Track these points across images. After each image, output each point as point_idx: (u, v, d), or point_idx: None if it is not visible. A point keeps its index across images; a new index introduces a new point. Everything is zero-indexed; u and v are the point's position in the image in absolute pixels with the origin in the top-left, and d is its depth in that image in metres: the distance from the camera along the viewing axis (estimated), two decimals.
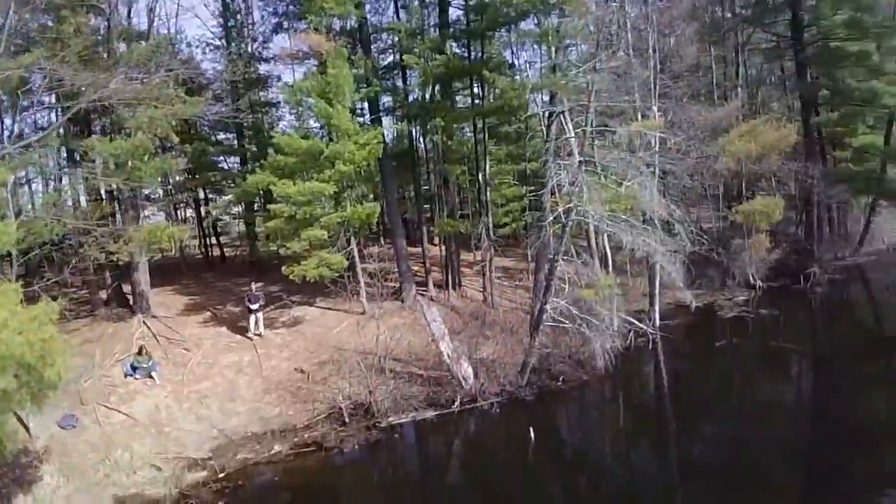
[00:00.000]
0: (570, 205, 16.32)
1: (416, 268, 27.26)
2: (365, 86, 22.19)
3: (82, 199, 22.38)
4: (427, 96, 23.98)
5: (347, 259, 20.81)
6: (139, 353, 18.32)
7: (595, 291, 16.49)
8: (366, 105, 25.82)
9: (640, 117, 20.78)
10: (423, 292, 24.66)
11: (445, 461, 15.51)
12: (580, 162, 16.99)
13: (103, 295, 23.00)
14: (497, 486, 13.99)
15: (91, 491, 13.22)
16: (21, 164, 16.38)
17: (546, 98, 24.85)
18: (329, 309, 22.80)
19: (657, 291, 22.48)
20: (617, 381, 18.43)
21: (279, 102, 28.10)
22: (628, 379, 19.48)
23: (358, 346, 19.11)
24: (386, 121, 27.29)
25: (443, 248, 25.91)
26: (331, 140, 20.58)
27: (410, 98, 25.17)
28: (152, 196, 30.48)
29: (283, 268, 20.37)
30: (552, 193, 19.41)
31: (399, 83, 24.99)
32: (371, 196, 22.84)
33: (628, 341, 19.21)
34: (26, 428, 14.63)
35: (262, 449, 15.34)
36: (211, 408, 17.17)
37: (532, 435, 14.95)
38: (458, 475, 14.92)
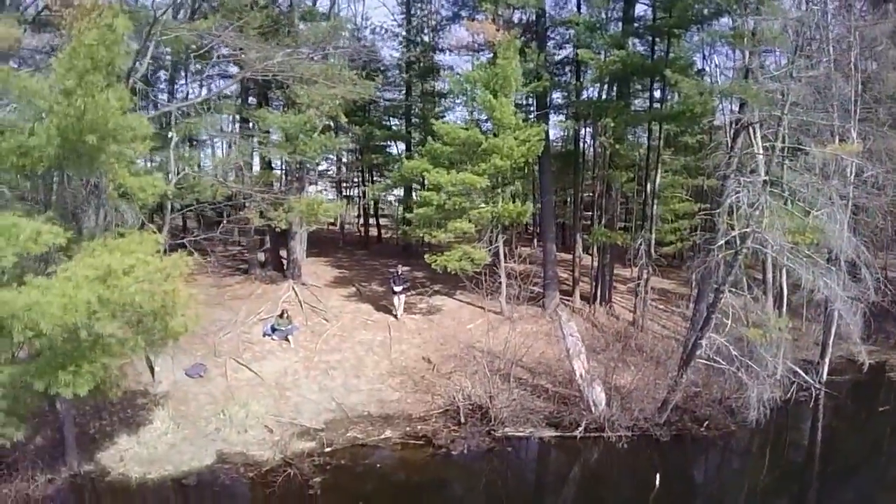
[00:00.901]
0: (748, 229, 14.07)
1: (564, 275, 25.83)
2: (535, 80, 21.18)
3: (256, 167, 23.89)
4: (600, 94, 22.41)
5: (491, 256, 20.00)
6: (281, 315, 19.02)
7: (762, 333, 14.04)
8: (534, 101, 24.86)
9: (837, 141, 17.58)
10: (567, 302, 23.19)
11: (557, 487, 14.09)
12: (765, 182, 14.62)
13: (262, 257, 24.45)
14: None
15: (197, 442, 13.67)
16: (190, 127, 17.47)
17: (735, 107, 22.09)
18: (467, 303, 22.20)
19: (830, 342, 19.05)
20: (767, 436, 15.77)
21: (449, 93, 27.98)
22: (780, 435, 16.74)
23: (488, 347, 18.22)
24: (553, 119, 26.00)
25: (596, 259, 24.15)
26: (494, 134, 19.89)
27: (582, 96, 23.73)
28: (325, 171, 32.27)
29: (426, 255, 20.08)
30: (728, 214, 17.12)
31: (572, 79, 23.61)
32: (525, 195, 21.76)
33: (789, 393, 16.29)
34: (152, 371, 15.64)
35: (373, 431, 15.04)
36: (335, 380, 17.28)
37: (658, 479, 13.05)
38: None
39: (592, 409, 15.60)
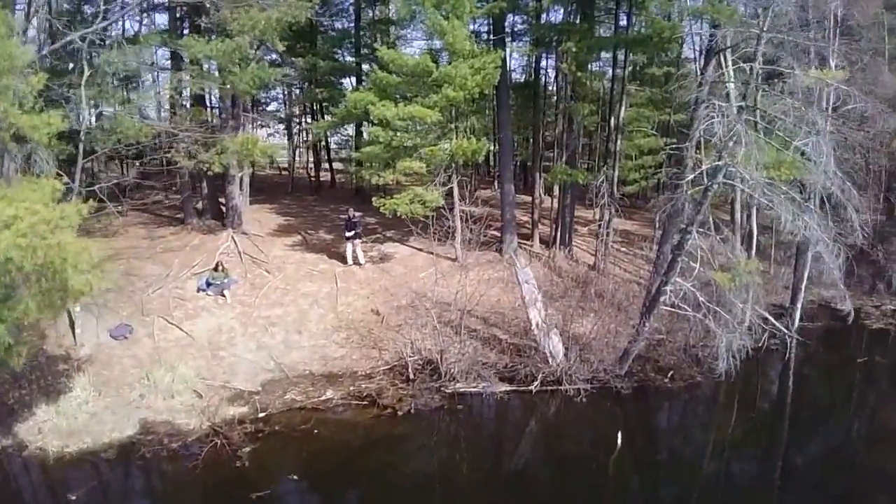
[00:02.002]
0: (720, 162, 12.83)
1: (524, 218, 24.61)
2: (491, 0, 19.26)
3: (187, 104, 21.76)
4: (564, 17, 20.60)
5: (445, 198, 18.59)
6: (216, 268, 17.49)
7: (731, 277, 13.02)
8: (490, 26, 22.92)
9: (817, 68, 16.25)
10: (526, 246, 22.03)
11: (512, 447, 13.18)
12: (740, 108, 13.34)
13: (200, 205, 22.64)
14: (563, 488, 11.50)
15: (119, 411, 12.36)
16: (108, 61, 15.37)
17: (705, 37, 20.64)
18: (420, 250, 20.85)
19: (803, 287, 18.34)
20: (735, 387, 14.86)
21: (401, 20, 25.74)
22: (748, 385, 15.92)
23: (439, 296, 17.04)
24: (512, 48, 24.09)
25: (556, 200, 22.89)
26: (448, 63, 18.10)
27: (542, 20, 21.89)
28: (275, 112, 29.86)
29: (374, 199, 18.56)
30: (697, 147, 15.88)
31: (531, 1, 21.63)
32: (481, 131, 20.12)
33: (761, 342, 15.51)
34: (73, 333, 14.13)
35: (313, 392, 13.92)
36: (275, 337, 16.00)
37: (619, 438, 12.20)
38: (520, 467, 12.55)
39: (550, 360, 14.70)
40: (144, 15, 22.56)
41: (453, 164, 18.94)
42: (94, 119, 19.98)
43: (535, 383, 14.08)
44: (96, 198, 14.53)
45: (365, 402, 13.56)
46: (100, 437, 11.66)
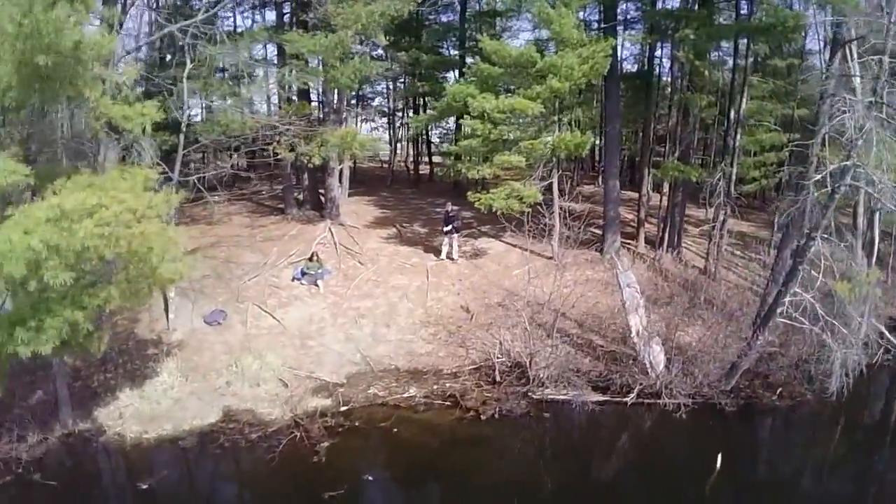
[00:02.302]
0: (847, 163, 11.26)
1: (629, 216, 23.25)
2: None
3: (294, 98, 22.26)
4: (678, 3, 19.15)
5: (544, 194, 17.79)
6: (311, 258, 17.71)
7: (851, 287, 11.38)
8: (600, 14, 21.75)
9: None
10: (630, 246, 20.74)
11: (599, 462, 12.23)
12: (870, 103, 11.63)
13: (301, 197, 23.17)
14: None
15: (204, 397, 12.59)
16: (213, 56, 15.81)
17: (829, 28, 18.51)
18: (515, 247, 20.16)
19: None
20: (846, 406, 12.93)
21: (507, 11, 25.03)
22: (859, 405, 14.04)
23: (534, 296, 16.31)
24: (624, 36, 22.73)
25: (666, 197, 21.37)
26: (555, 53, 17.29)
27: (657, 5, 20.46)
28: (380, 106, 30.15)
29: (469, 193, 18.07)
30: (823, 145, 14.17)
31: None
32: (587, 124, 19.07)
33: (875, 358, 13.53)
34: (167, 318, 14.65)
35: (396, 388, 13.64)
36: (363, 329, 15.92)
37: (719, 461, 10.98)
38: (609, 482, 11.57)
39: (649, 371, 13.58)
40: (255, 11, 23.42)
41: (554, 159, 18.09)
42: (198, 112, 20.96)
43: (631, 395, 13.04)
44: (193, 187, 15.12)
45: (448, 403, 13.11)
46: (181, 423, 11.81)
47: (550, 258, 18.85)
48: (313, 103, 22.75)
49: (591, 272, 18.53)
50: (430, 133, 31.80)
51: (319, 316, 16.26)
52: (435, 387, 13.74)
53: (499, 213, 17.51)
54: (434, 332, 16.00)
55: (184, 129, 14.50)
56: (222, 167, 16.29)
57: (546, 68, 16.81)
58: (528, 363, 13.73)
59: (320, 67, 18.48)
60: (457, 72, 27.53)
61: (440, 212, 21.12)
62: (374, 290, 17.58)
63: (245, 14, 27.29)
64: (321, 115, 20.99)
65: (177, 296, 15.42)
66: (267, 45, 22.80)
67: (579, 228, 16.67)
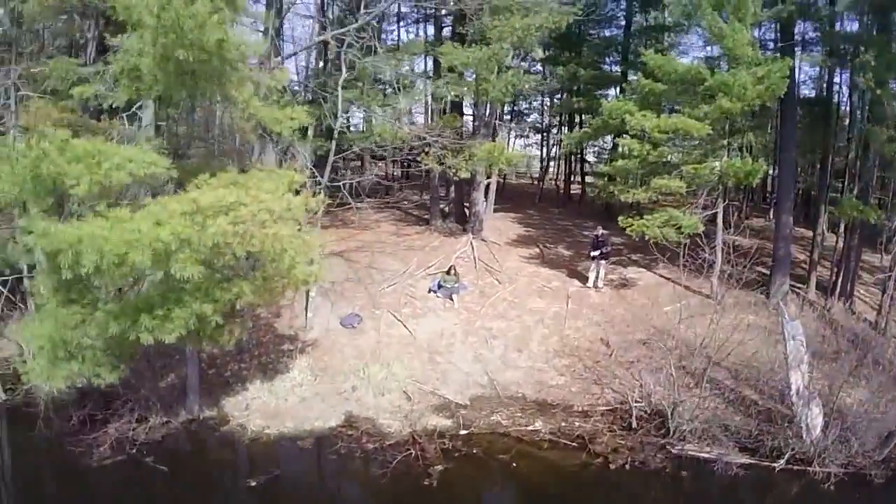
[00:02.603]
0: None
1: (800, 256, 20.46)
2: (779, 2, 16.21)
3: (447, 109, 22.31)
4: (860, 26, 16.54)
5: (706, 224, 16.10)
6: (448, 272, 17.42)
7: None
8: (776, 32, 19.43)
9: None
10: (799, 291, 18.14)
11: None
12: None
13: (447, 209, 23.11)
14: None
15: (329, 399, 12.57)
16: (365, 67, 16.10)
17: None
18: (669, 280, 18.48)
19: None
20: None
21: (674, 25, 23.32)
22: None
23: (684, 337, 14.71)
24: (800, 57, 20.14)
25: (841, 239, 18.48)
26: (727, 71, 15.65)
27: (836, 27, 17.85)
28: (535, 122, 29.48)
29: (620, 218, 16.83)
30: None
31: (825, 5, 17.78)
32: (759, 151, 17.00)
33: None
34: (306, 316, 14.93)
35: (521, 419, 12.78)
36: (493, 351, 15.26)
37: None
38: None
39: (804, 435, 11.59)
40: (417, 25, 23.85)
41: (720, 187, 16.31)
42: (359, 121, 21.58)
43: (781, 461, 11.14)
44: (341, 193, 15.40)
45: (575, 444, 11.99)
46: (303, 422, 11.89)
47: (708, 297, 17.04)
48: (466, 116, 22.65)
49: (753, 317, 16.38)
50: (584, 152, 30.59)
51: (450, 331, 15.86)
52: (563, 424, 12.67)
53: (651, 241, 16.06)
54: (568, 363, 14.93)
55: (336, 136, 14.81)
56: (369, 176, 16.38)
57: (716, 86, 15.18)
58: (669, 413, 12.25)
59: (473, 80, 18.19)
60: (617, 88, 26.27)
61: (588, 235, 19.99)
62: (508, 311, 16.88)
63: (409, 28, 28.10)
64: (472, 129, 20.77)
65: (318, 295, 15.80)
66: (426, 58, 23.07)
67: (744, 266, 14.83)
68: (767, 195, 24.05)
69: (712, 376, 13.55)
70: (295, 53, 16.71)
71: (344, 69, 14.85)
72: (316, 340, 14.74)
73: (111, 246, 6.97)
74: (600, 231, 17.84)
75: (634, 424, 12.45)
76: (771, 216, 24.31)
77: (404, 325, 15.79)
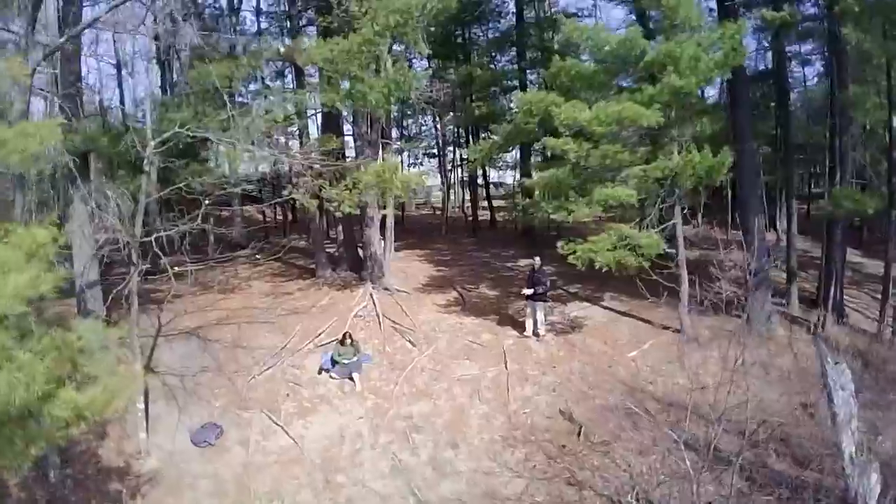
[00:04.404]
0: None
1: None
2: None
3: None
4: None
5: (667, 240, 12.53)
6: (342, 341, 12.71)
7: None
8: None
9: None
10: (780, 308, 15.00)
11: None
12: None
13: (337, 253, 18.46)
14: None
15: None
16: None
17: None
18: (622, 314, 14.78)
19: None
20: None
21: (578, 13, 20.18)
22: None
23: (667, 392, 10.91)
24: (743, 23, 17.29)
25: (813, 241, 15.62)
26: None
27: None
28: (416, 139, 25.20)
29: (560, 244, 12.81)
30: None
31: None
32: (714, 138, 13.58)
33: None
34: (146, 431, 9.82)
35: None
36: (419, 453, 10.72)
37: None
38: None
39: None
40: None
41: (676, 190, 12.78)
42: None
43: None
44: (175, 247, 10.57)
45: None
46: None
47: (677, 331, 13.41)
48: (347, 137, 18.17)
49: (736, 350, 12.85)
50: (487, 171, 26.95)
51: (354, 430, 11.16)
52: None
53: (605, 269, 12.22)
54: (524, 455, 10.62)
55: (147, 169, 9.89)
56: (183, 224, 11.22)
57: (660, 58, 11.74)
58: None
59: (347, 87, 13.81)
60: (518, 92, 22.57)
61: (513, 267, 16.09)
62: (431, 386, 12.42)
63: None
64: (355, 151, 16.40)
65: (160, 398, 10.78)
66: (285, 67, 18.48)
67: (720, 289, 11.23)
68: (723, 196, 20.95)
69: (720, 447, 9.70)
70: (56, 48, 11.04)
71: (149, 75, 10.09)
72: (156, 472, 9.64)
73: None
74: (537, 262, 13.85)
75: None
76: (729, 220, 21.26)
77: (286, 432, 10.93)
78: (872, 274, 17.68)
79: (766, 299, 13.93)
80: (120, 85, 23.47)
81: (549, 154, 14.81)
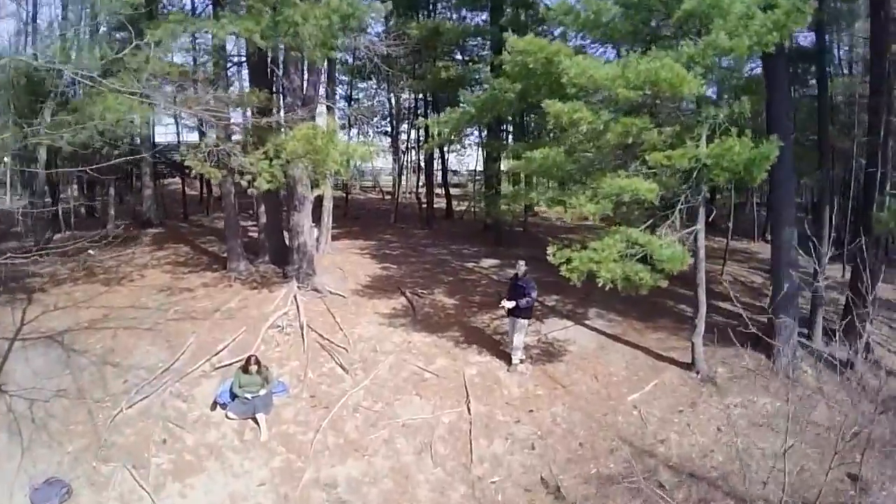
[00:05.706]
0: None
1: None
2: None
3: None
4: None
5: (691, 251, 9.48)
6: (246, 367, 9.16)
7: None
8: None
9: None
10: (803, 341, 12.26)
11: None
12: None
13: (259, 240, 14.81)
14: None
15: None
16: None
17: None
18: (615, 338, 11.74)
19: None
20: None
21: None
22: None
23: (687, 454, 7.92)
24: None
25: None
26: None
27: None
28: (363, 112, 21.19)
29: (550, 253, 9.41)
30: None
31: None
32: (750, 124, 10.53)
33: None
34: None
35: None
36: None
37: None
38: None
39: None
40: None
41: (703, 187, 9.73)
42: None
43: None
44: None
45: None
46: None
47: (685, 366, 10.48)
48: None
49: (762, 398, 10.02)
50: (446, 154, 23.59)
51: (253, 502, 7.71)
52: None
53: (606, 286, 9.05)
54: None
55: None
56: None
57: (703, 9, 8.63)
58: None
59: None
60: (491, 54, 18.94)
61: (477, 268, 12.86)
62: (366, 435, 9.01)
63: None
64: (284, 108, 12.71)
65: (2, 430, 7.19)
66: None
67: (744, 314, 8.29)
68: (749, 199, 17.88)
69: None
70: None
71: None
72: None
73: None
74: (522, 268, 10.53)
75: None
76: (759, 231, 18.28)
77: (153, 501, 7.37)
78: (881, 298, 15.32)
79: (793, 331, 11.11)
80: None
81: (532, 131, 11.47)
